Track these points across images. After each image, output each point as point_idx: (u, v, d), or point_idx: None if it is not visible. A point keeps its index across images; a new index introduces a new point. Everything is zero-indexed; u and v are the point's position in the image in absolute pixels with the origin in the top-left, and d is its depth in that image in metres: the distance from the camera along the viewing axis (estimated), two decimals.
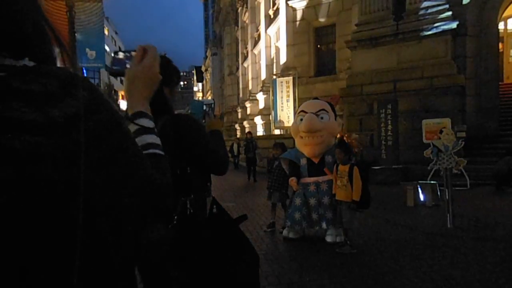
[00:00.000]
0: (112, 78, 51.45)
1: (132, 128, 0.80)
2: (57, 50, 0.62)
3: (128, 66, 1.04)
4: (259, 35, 22.87)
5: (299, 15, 16.71)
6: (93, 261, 0.53)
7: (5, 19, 0.50)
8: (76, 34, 6.68)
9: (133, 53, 1.04)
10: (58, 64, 0.63)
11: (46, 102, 0.46)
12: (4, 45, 0.49)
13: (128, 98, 0.88)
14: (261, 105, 20.77)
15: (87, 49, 7.15)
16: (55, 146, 0.46)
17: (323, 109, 4.76)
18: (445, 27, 10.29)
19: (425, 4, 10.64)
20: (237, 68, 30.81)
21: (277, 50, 18.96)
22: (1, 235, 0.46)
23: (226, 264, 1.46)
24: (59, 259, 0.49)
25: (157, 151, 0.79)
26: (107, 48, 56.63)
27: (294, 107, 14.41)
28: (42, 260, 0.48)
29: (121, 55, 1.26)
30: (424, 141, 8.69)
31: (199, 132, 1.70)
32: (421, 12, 10.65)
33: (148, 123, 0.82)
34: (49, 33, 0.58)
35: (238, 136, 22.86)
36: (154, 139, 0.81)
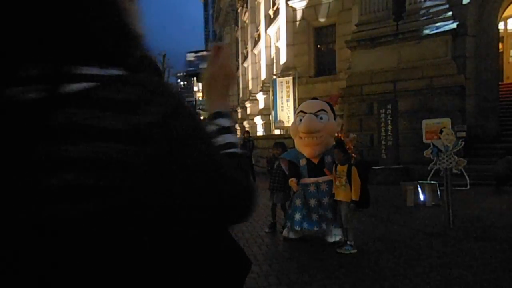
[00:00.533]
0: None
1: (213, 128, 0.80)
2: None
3: (201, 66, 1.03)
4: (259, 35, 22.87)
5: (299, 15, 16.72)
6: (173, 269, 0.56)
7: (90, 26, 0.51)
8: None
9: (204, 53, 1.00)
10: None
11: (130, 110, 0.47)
12: (91, 54, 0.50)
13: (207, 98, 0.88)
14: (261, 105, 20.76)
15: None
16: (137, 153, 0.47)
17: (322, 109, 4.75)
18: (445, 27, 10.29)
19: (425, 4, 10.64)
20: (237, 68, 30.83)
21: (277, 50, 18.96)
22: (85, 243, 0.47)
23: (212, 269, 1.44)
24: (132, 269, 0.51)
25: (237, 150, 0.79)
26: None
27: (294, 107, 14.41)
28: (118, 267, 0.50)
29: (192, 57, 1.22)
30: (424, 141, 8.69)
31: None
32: (421, 12, 10.65)
33: (227, 122, 0.82)
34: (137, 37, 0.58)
35: (237, 136, 22.84)
36: (233, 138, 0.81)
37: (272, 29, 19.93)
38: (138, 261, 0.51)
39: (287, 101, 15.65)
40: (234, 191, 0.61)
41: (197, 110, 10.81)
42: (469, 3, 10.71)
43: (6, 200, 0.44)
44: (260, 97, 21.07)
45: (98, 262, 0.48)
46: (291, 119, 13.04)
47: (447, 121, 8.46)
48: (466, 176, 8.30)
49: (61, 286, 0.47)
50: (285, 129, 15.04)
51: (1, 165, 0.44)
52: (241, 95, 28.92)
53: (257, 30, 23.43)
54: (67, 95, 0.46)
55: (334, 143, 4.82)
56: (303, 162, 4.78)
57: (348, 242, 4.23)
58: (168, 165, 0.49)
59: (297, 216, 4.64)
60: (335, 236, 4.52)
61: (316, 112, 4.71)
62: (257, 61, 24.35)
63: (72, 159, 0.44)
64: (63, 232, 0.46)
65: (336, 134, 5.34)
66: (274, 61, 19.87)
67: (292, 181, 4.79)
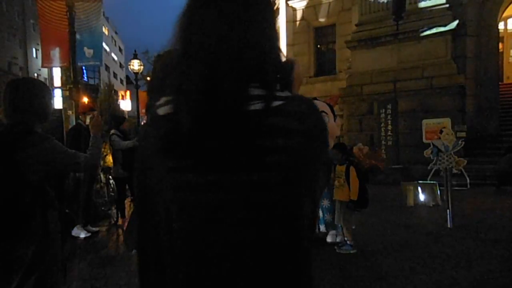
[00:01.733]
0: (112, 77, 51.43)
1: None
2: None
3: None
4: None
5: (299, 15, 16.71)
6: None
7: (280, 64, 0.78)
8: (76, 34, 6.67)
9: None
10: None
11: (303, 118, 0.74)
12: (279, 81, 0.76)
13: None
14: None
15: (85, 48, 7.12)
16: (309, 146, 0.74)
17: (322, 111, 4.73)
18: (445, 27, 10.29)
19: (425, 4, 10.64)
20: None
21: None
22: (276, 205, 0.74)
23: None
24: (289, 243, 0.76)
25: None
26: (106, 47, 56.53)
27: None
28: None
29: None
30: (424, 141, 8.69)
31: None
32: (421, 12, 10.65)
33: None
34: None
35: None
36: None
37: None
38: (295, 228, 0.76)
39: None
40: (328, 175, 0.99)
41: None
42: (469, 3, 10.71)
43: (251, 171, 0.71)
44: None
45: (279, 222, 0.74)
46: None
47: (447, 121, 8.44)
48: (466, 176, 8.30)
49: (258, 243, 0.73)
50: None
51: (240, 149, 0.70)
52: None
53: None
54: (273, 108, 0.72)
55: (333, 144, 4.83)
56: None
57: (348, 242, 4.23)
58: (316, 152, 0.78)
59: None
60: (335, 236, 4.52)
61: None
62: None
63: (278, 147, 0.71)
64: (267, 194, 0.73)
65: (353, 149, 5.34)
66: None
67: None
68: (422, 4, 10.67)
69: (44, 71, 31.58)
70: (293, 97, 0.75)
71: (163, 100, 0.78)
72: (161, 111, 0.77)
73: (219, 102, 0.70)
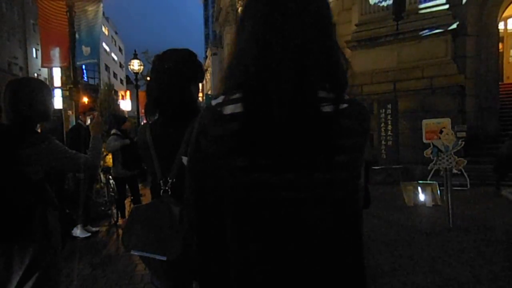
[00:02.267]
0: (112, 77, 51.39)
1: None
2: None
3: None
4: None
5: None
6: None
7: (344, 70, 0.83)
8: (76, 34, 6.67)
9: None
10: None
11: (360, 119, 0.81)
12: (344, 83, 0.82)
13: None
14: None
15: (82, 46, 7.10)
16: (363, 143, 0.82)
17: None
18: (445, 27, 10.29)
19: (425, 4, 10.63)
20: None
21: None
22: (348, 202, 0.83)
23: None
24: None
25: None
26: (106, 47, 56.44)
27: None
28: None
29: None
30: (424, 141, 8.66)
31: None
32: (421, 12, 10.64)
33: None
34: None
35: None
36: None
37: None
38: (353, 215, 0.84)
39: None
40: None
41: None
42: (469, 3, 10.70)
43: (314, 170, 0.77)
44: None
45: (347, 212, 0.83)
46: None
47: (447, 121, 8.41)
48: (466, 176, 8.29)
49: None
50: None
51: (306, 144, 0.75)
52: None
53: None
54: (341, 110, 0.78)
55: None
56: None
57: None
58: (365, 151, 0.86)
59: None
60: None
61: None
62: None
63: (346, 146, 0.78)
64: (345, 193, 0.81)
65: None
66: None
67: None
68: (422, 4, 10.66)
69: (44, 71, 31.57)
70: (353, 100, 0.82)
71: (226, 98, 0.79)
72: (228, 110, 0.78)
73: (297, 104, 0.74)
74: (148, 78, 1.65)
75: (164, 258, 1.37)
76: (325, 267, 0.79)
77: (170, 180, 1.47)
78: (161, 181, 1.49)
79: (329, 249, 0.79)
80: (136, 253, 1.47)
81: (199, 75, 1.62)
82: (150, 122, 1.64)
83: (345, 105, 0.78)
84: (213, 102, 0.82)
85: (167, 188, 1.47)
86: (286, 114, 0.73)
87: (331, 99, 0.77)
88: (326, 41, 0.80)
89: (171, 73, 1.52)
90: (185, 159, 1.30)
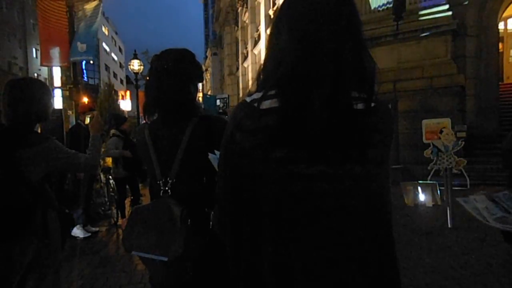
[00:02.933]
0: (112, 77, 51.36)
1: None
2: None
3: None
4: (259, 35, 22.86)
5: None
6: None
7: (371, 65, 0.87)
8: (75, 34, 6.67)
9: None
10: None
11: (388, 117, 0.88)
12: (373, 84, 0.86)
13: None
14: None
15: (78, 43, 7.05)
16: (390, 140, 0.89)
17: None
18: (445, 27, 10.28)
19: (425, 4, 10.63)
20: (237, 68, 30.80)
21: None
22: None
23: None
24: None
25: None
26: (106, 47, 56.36)
27: None
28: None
29: None
30: (424, 141, 8.66)
31: None
32: (421, 12, 10.64)
33: None
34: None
35: None
36: None
37: None
38: None
39: None
40: None
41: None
42: (469, 3, 10.70)
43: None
44: None
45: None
46: None
47: (447, 121, 8.41)
48: (466, 176, 8.28)
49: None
50: None
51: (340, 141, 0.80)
52: (240, 95, 28.89)
53: (257, 30, 23.41)
54: (371, 108, 0.83)
55: None
56: None
57: None
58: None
59: None
60: None
61: None
62: (257, 61, 24.34)
63: (376, 142, 0.82)
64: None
65: None
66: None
67: None
68: (422, 4, 10.66)
69: (44, 71, 31.56)
70: (379, 100, 0.87)
71: (264, 94, 0.84)
72: (264, 105, 0.82)
73: (333, 102, 0.79)
74: (147, 78, 1.65)
75: (165, 259, 1.36)
76: (362, 256, 0.83)
77: (170, 181, 1.46)
78: (160, 182, 1.48)
79: (365, 238, 0.83)
80: (137, 254, 1.47)
81: (198, 75, 1.61)
82: (148, 122, 1.64)
83: (374, 104, 0.84)
84: (248, 99, 0.86)
85: (167, 188, 1.46)
86: (324, 111, 0.78)
87: (362, 98, 0.82)
88: (357, 44, 0.84)
89: (170, 73, 1.52)
90: (212, 157, 1.28)
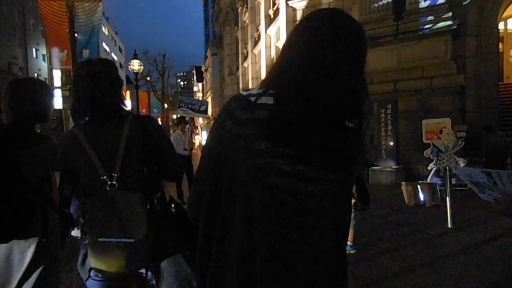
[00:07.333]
0: None
1: None
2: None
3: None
4: (259, 35, 22.87)
5: (299, 15, 16.71)
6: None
7: (366, 98, 0.95)
8: (75, 34, 6.67)
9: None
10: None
11: (367, 140, 1.04)
12: (361, 112, 0.94)
13: None
14: None
15: (83, 50, 7.18)
16: (363, 163, 1.02)
17: None
18: (445, 27, 10.29)
19: (425, 4, 10.63)
20: (237, 68, 30.81)
21: (277, 50, 18.95)
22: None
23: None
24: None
25: None
26: (106, 47, 56.29)
27: None
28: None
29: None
30: (424, 141, 8.68)
31: (165, 134, 1.76)
32: (421, 12, 10.64)
33: None
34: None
35: None
36: None
37: (272, 29, 19.92)
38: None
39: None
40: None
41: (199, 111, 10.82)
42: (469, 3, 10.70)
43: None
44: None
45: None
46: None
47: (447, 121, 8.43)
48: None
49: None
50: None
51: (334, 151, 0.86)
52: None
53: (257, 30, 23.42)
54: (361, 130, 0.90)
55: None
56: None
57: (348, 242, 4.23)
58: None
59: None
60: None
61: None
62: (257, 61, 24.35)
63: (357, 159, 0.90)
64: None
65: None
66: (274, 61, 19.84)
67: None
68: (422, 4, 10.66)
69: (44, 71, 31.57)
70: (364, 126, 0.95)
71: (262, 91, 0.87)
72: (261, 100, 0.86)
73: (331, 113, 0.84)
74: (73, 83, 1.81)
75: (132, 240, 1.47)
76: (322, 255, 0.88)
77: (115, 175, 1.57)
78: (105, 177, 1.57)
79: (326, 237, 0.89)
80: (103, 241, 1.51)
81: (121, 82, 1.76)
82: (79, 124, 1.70)
83: (360, 126, 0.93)
84: (244, 93, 0.90)
85: (113, 182, 1.56)
86: (320, 119, 0.83)
87: (356, 123, 0.91)
88: (357, 77, 0.90)
89: (103, 76, 1.65)
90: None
